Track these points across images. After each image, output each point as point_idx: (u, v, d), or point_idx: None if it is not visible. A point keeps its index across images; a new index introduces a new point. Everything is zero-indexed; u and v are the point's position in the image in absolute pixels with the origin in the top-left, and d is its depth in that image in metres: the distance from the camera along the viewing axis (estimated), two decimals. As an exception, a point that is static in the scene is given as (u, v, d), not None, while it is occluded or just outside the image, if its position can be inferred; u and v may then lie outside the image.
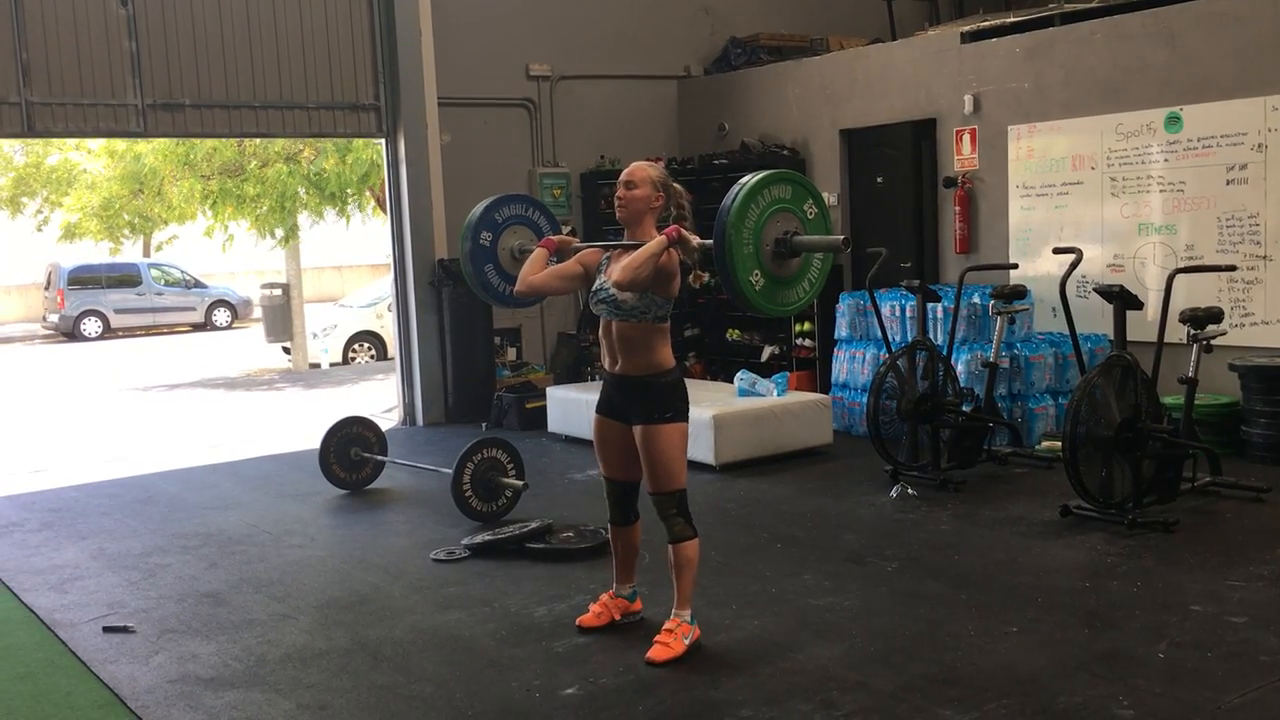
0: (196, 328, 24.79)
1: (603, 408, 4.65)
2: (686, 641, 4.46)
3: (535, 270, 4.64)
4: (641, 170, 4.52)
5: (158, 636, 4.94)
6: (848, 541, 5.98)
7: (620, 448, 4.60)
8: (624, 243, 4.52)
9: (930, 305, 7.77)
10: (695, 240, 4.37)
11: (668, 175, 4.58)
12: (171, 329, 24.56)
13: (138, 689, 4.38)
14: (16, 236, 22.50)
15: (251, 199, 14.48)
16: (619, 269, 4.35)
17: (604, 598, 4.87)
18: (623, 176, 4.53)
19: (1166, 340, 6.32)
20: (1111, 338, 6.29)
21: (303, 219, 15.81)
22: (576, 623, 4.79)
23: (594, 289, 4.57)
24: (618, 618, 4.81)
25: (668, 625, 4.49)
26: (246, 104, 9.23)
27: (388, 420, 10.13)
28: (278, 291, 16.62)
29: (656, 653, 4.40)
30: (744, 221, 4.27)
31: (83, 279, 23.76)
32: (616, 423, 4.58)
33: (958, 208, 9.16)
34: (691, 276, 4.55)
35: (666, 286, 4.41)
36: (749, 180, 4.35)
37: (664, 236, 4.32)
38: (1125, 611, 4.75)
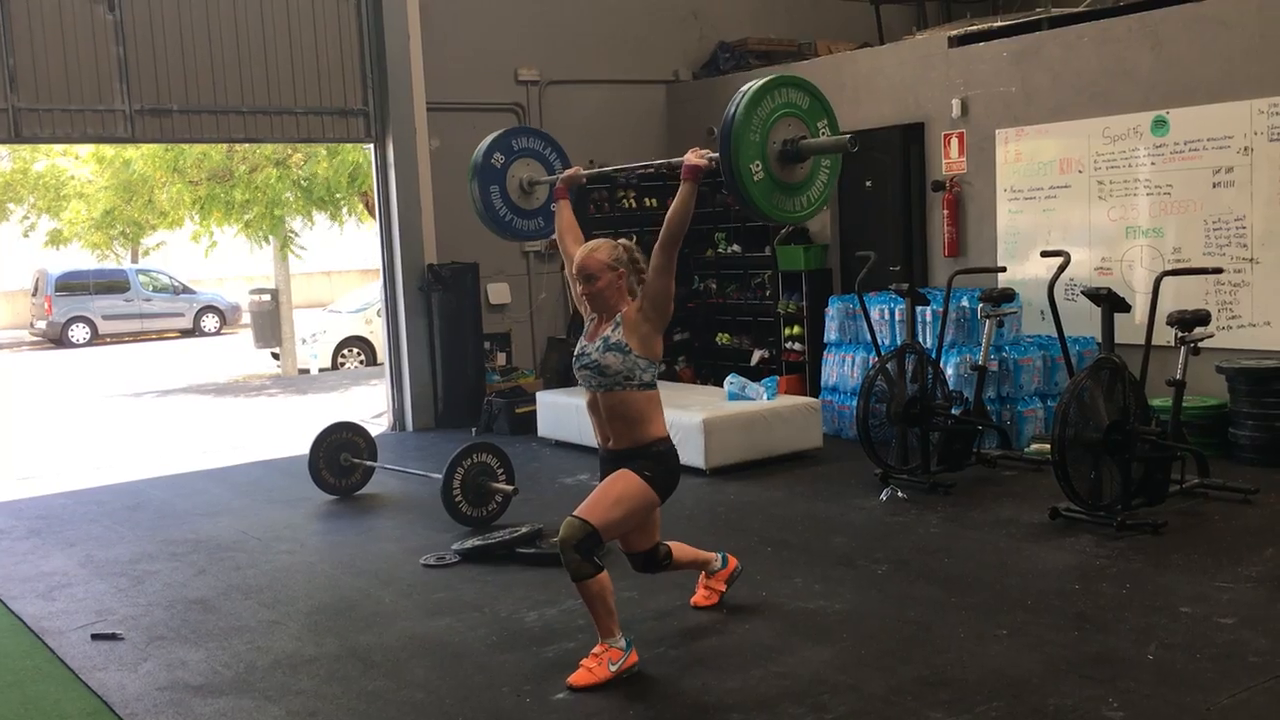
0: (185, 334, 24.72)
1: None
2: (613, 668, 4.24)
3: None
4: (593, 261, 4.32)
5: (146, 644, 4.93)
6: (838, 545, 5.99)
7: None
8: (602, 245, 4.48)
9: (919, 308, 7.78)
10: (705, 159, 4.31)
11: (618, 246, 4.39)
12: (160, 335, 24.50)
13: (126, 696, 4.37)
14: (3, 243, 22.40)
15: (240, 205, 14.44)
16: (663, 230, 4.21)
17: (701, 578, 5.05)
18: (577, 272, 4.35)
19: (1154, 343, 6.33)
20: (1099, 340, 6.31)
21: (293, 225, 15.74)
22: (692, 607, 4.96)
23: (576, 354, 4.42)
24: (722, 589, 5.03)
25: (595, 650, 4.31)
26: (234, 109, 9.21)
27: (377, 425, 10.10)
28: (266, 297, 16.59)
29: (578, 677, 4.24)
30: (756, 110, 4.21)
31: (70, 285, 23.68)
32: None
33: (946, 211, 9.18)
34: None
35: (651, 345, 4.31)
36: (769, 76, 4.33)
37: (688, 181, 4.24)
38: (1115, 613, 4.77)
